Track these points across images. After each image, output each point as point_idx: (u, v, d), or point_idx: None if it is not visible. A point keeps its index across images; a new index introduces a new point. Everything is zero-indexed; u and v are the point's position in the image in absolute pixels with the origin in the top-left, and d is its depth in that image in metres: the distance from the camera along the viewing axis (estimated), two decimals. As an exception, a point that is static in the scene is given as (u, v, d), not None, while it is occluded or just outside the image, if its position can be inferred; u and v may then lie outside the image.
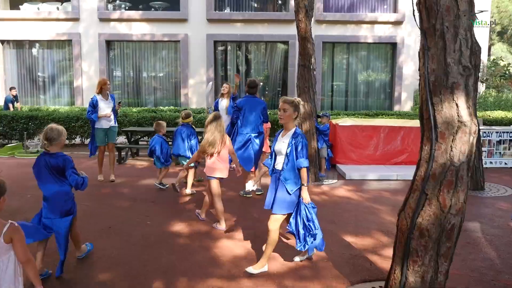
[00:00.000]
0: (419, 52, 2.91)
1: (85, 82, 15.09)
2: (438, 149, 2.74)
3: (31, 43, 15.31)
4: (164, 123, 7.26)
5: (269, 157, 4.05)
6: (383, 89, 15.74)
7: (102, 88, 7.36)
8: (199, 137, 7.30)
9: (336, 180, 7.67)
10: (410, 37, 15.03)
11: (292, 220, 3.86)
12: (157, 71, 15.51)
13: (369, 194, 6.74)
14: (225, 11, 15.06)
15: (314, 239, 3.90)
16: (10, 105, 12.83)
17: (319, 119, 8.09)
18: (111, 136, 7.61)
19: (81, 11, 14.77)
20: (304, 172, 3.73)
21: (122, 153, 9.35)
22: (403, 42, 15.00)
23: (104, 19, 14.74)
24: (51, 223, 3.69)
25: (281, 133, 3.93)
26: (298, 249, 3.91)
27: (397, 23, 14.92)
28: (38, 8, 15.29)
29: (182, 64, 14.89)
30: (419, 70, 2.93)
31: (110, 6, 15.37)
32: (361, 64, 15.70)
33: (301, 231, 3.83)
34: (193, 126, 6.98)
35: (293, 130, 3.79)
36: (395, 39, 14.97)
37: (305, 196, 3.78)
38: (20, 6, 15.40)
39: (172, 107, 13.83)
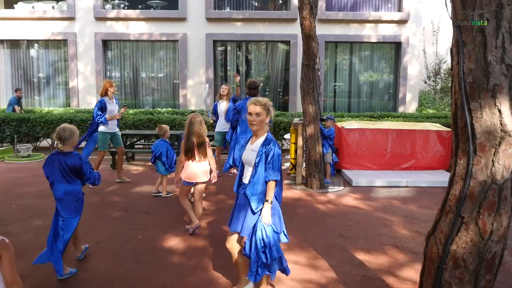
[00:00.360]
0: (451, 49, 2.47)
1: (81, 82, 14.64)
2: (477, 163, 2.30)
3: (26, 43, 14.87)
4: (167, 127, 6.81)
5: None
6: (387, 90, 15.30)
7: (107, 91, 7.09)
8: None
9: (342, 187, 7.23)
10: (415, 37, 14.59)
11: (247, 241, 3.24)
12: (155, 72, 15.07)
13: (378, 202, 6.30)
14: (225, 10, 14.62)
15: (269, 271, 3.26)
16: (16, 107, 12.28)
17: (323, 122, 7.64)
18: (118, 141, 7.44)
19: (77, 10, 14.33)
20: (271, 185, 3.14)
21: (116, 157, 8.90)
22: (408, 42, 14.57)
23: (100, 18, 14.30)
24: (63, 222, 3.71)
25: (250, 140, 3.37)
26: (248, 278, 3.26)
27: (402, 22, 14.49)
28: (33, 7, 14.86)
29: (180, 65, 14.45)
30: (451, 70, 2.49)
31: (107, 5, 14.92)
32: (364, 64, 15.26)
33: (252, 258, 3.18)
34: None
35: (264, 136, 3.24)
36: (400, 39, 14.54)
37: (266, 214, 3.14)
38: (14, 5, 14.97)
39: (170, 109, 13.39)
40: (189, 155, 4.82)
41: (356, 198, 6.52)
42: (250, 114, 3.19)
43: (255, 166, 3.17)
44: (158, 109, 13.51)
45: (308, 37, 6.84)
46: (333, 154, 7.63)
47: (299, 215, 5.64)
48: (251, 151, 3.26)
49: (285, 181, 7.61)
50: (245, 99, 6.36)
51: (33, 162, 9.21)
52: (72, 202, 3.73)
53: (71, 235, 3.75)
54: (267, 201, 3.15)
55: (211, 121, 8.17)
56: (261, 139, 3.24)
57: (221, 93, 7.75)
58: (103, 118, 6.99)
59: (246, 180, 3.28)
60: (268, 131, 3.31)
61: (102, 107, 7.00)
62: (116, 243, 4.61)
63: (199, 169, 4.85)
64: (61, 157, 3.66)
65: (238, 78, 7.59)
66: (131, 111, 12.40)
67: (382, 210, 5.88)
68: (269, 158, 3.13)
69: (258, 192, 3.15)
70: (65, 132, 3.67)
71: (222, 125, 7.60)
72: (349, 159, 8.20)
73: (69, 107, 14.50)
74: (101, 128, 7.13)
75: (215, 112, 7.85)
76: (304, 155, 7.40)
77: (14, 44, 14.88)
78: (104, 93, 7.09)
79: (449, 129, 8.58)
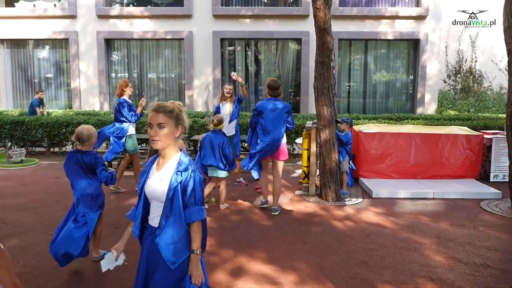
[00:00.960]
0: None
1: (83, 83, 14.04)
2: None
3: (26, 42, 14.31)
4: None
5: (137, 204, 2.47)
6: (404, 90, 14.46)
7: (123, 91, 6.66)
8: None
9: (361, 199, 6.43)
10: (434, 33, 13.73)
11: None
12: (159, 71, 14.41)
13: (403, 219, 5.50)
14: (233, 6, 13.88)
15: None
16: (37, 109, 11.70)
17: (338, 124, 6.77)
18: None
19: (78, 7, 13.74)
20: (196, 229, 2.27)
21: (113, 163, 8.23)
22: (427, 39, 13.70)
23: (102, 16, 13.69)
24: (84, 217, 3.87)
25: (155, 163, 2.39)
26: None
27: (420, 17, 13.64)
28: (34, 5, 14.30)
29: (186, 64, 13.76)
30: (510, 66, 1.71)
31: (115, 4, 14.29)
32: (380, 62, 14.42)
33: None
34: (225, 133, 6.02)
35: (176, 158, 2.30)
36: (418, 35, 13.68)
37: (196, 271, 2.26)
38: (15, 3, 14.44)
39: (174, 111, 12.69)
40: None
41: (378, 213, 5.72)
42: (150, 125, 2.23)
43: (168, 203, 2.26)
44: (162, 110, 12.82)
45: (323, 30, 6.06)
46: (350, 162, 6.83)
47: (313, 236, 4.88)
48: (158, 181, 2.29)
49: (297, 192, 6.85)
50: (267, 100, 5.71)
51: (25, 169, 8.57)
52: (92, 197, 3.89)
53: (92, 230, 3.89)
54: (193, 251, 2.27)
55: None
56: (172, 163, 2.29)
57: (225, 93, 7.01)
58: (136, 116, 6.66)
59: (153, 222, 2.34)
60: (182, 150, 2.37)
61: (129, 106, 6.61)
62: (97, 271, 3.90)
63: None
64: (79, 155, 3.88)
65: (239, 78, 6.88)
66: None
67: (409, 229, 5.09)
68: (188, 190, 2.25)
69: (175, 239, 2.26)
70: (83, 134, 3.87)
71: (226, 130, 6.87)
72: (367, 167, 7.40)
73: (71, 108, 13.92)
74: (129, 131, 6.65)
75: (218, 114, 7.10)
76: (318, 163, 6.63)
77: (14, 43, 14.34)
78: (122, 93, 6.67)
79: (479, 133, 7.74)
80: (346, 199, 6.36)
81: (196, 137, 8.23)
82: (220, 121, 5.85)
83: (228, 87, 7.00)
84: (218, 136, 5.79)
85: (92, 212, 3.91)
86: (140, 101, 6.77)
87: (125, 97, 6.68)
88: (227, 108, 6.97)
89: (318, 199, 6.37)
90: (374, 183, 7.03)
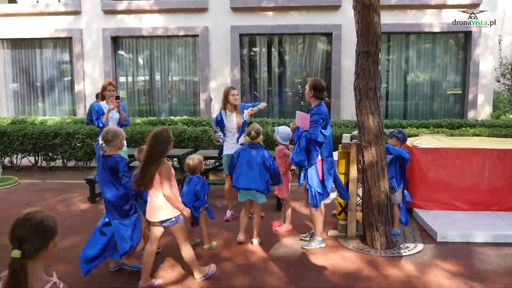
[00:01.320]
0: None
1: (88, 86, 12.69)
2: None
3: (27, 41, 13.07)
4: None
5: None
6: (453, 91, 12.42)
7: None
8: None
9: (422, 245, 4.56)
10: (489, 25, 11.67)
11: None
12: (171, 72, 12.90)
13: (491, 283, 3.64)
14: (253, -3, 12.23)
15: None
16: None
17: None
18: None
19: (83, 3, 12.41)
20: None
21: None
22: (480, 31, 11.70)
23: (109, 11, 12.31)
24: (111, 224, 3.72)
25: None
26: None
27: (472, 6, 11.65)
28: (37, 1, 13.07)
29: (201, 63, 12.21)
30: None
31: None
32: (424, 59, 12.45)
33: None
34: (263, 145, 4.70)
35: None
36: (470, 27, 11.66)
37: None
38: (17, 0, 13.27)
39: (185, 117, 11.13)
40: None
41: (451, 273, 3.86)
42: None
43: None
44: (171, 117, 11.27)
45: (368, 7, 4.27)
46: (405, 190, 4.98)
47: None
48: None
49: (330, 232, 4.97)
50: (317, 105, 4.36)
51: (-1, 189, 7.12)
52: (119, 204, 3.68)
53: (125, 236, 3.65)
54: None
55: (221, 142, 5.52)
56: None
57: (231, 101, 5.23)
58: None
59: None
60: None
61: (97, 111, 5.81)
62: None
63: (155, 203, 3.55)
64: (103, 160, 3.73)
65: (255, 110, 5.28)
66: (138, 120, 10.21)
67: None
68: None
69: None
70: (108, 134, 3.74)
71: (232, 146, 5.17)
72: (424, 194, 5.52)
73: (75, 115, 12.58)
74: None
75: (222, 127, 5.34)
76: (362, 193, 4.80)
77: (15, 43, 13.13)
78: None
79: None
80: (401, 246, 4.53)
81: (203, 151, 6.51)
82: (259, 133, 4.62)
83: (233, 93, 5.23)
84: (257, 151, 4.52)
85: (118, 220, 3.68)
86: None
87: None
88: (233, 120, 5.22)
89: (361, 246, 4.54)
90: (435, 217, 5.16)
